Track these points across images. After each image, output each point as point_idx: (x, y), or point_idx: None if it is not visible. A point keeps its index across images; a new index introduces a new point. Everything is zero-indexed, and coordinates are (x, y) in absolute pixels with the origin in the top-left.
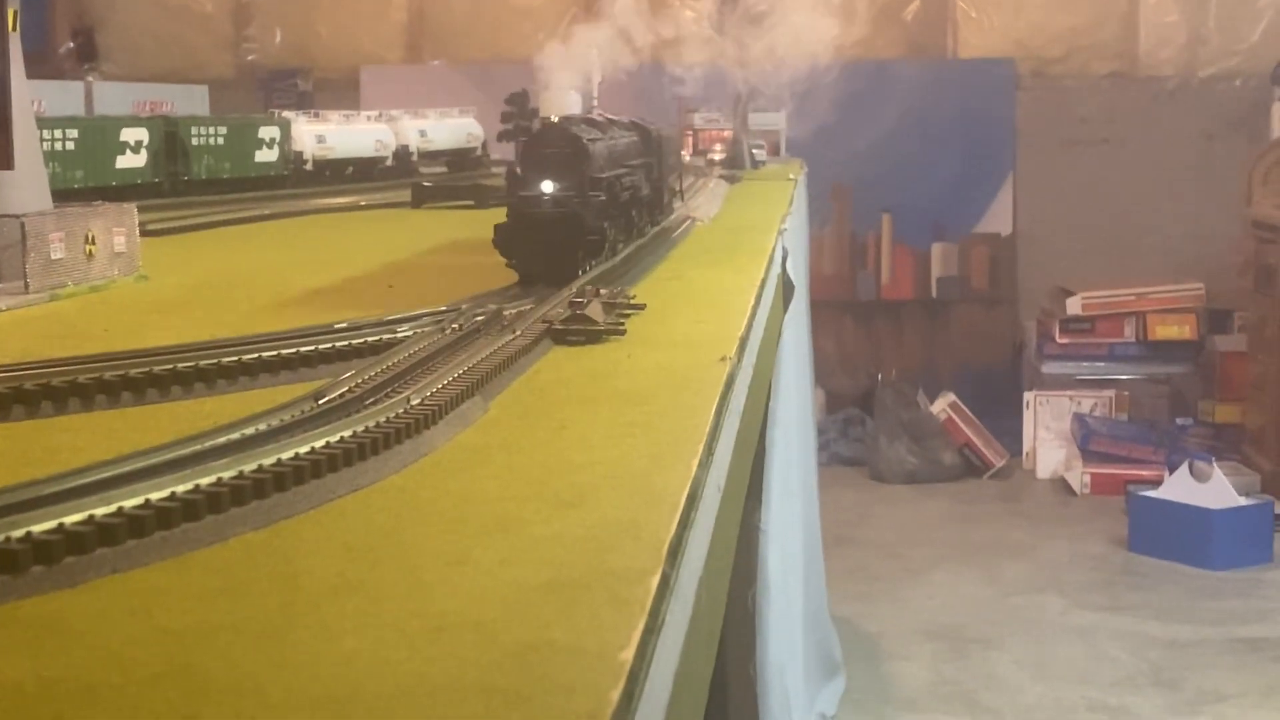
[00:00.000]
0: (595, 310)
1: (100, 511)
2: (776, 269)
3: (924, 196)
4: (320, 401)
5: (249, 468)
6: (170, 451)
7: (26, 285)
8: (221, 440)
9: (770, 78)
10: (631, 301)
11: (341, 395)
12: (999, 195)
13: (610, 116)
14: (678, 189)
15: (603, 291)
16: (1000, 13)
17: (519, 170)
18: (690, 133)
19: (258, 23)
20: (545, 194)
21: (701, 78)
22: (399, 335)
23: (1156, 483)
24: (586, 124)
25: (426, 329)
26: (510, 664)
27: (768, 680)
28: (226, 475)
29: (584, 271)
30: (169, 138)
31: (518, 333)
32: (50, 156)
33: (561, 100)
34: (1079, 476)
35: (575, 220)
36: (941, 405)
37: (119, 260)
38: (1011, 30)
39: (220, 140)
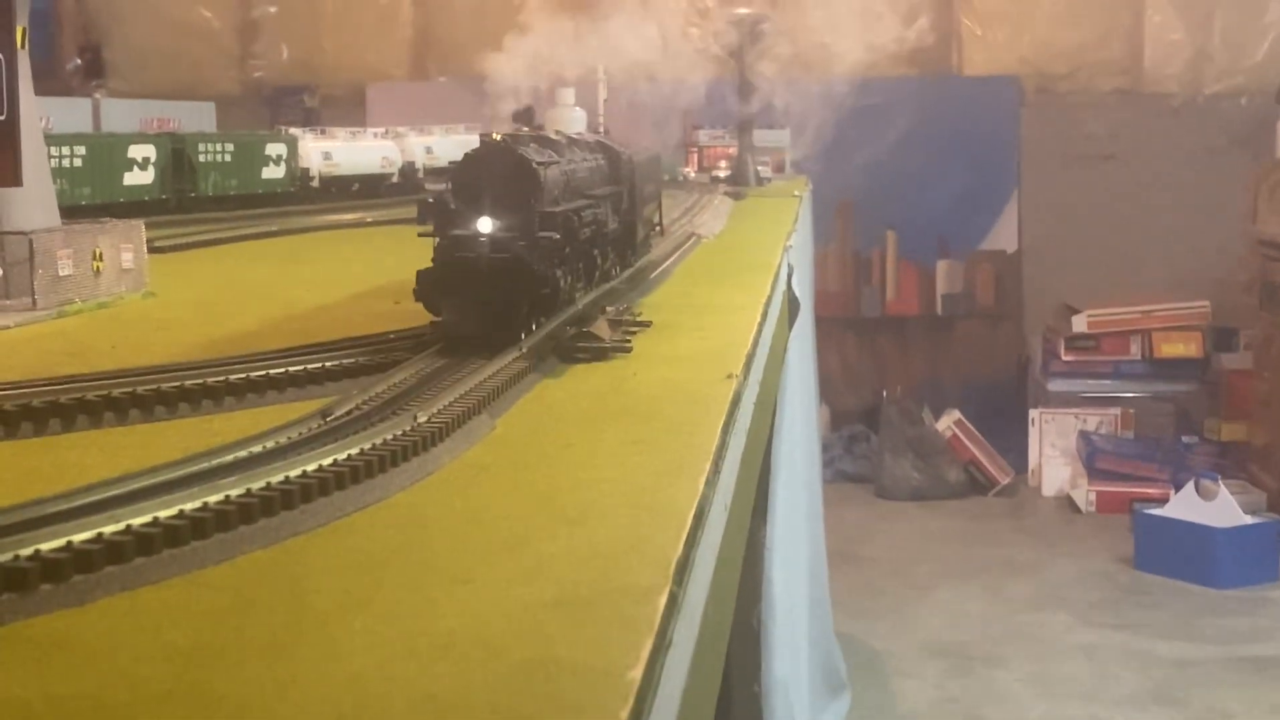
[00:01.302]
0: (602, 328)
1: (109, 529)
2: (782, 286)
3: (929, 213)
4: (327, 419)
5: (257, 485)
6: (178, 469)
7: (34, 302)
8: (229, 458)
9: (776, 96)
10: (638, 319)
11: (349, 413)
12: (1004, 212)
13: (572, 135)
14: (656, 223)
15: (609, 309)
16: (1005, 30)
17: (450, 202)
18: (695, 150)
19: (264, 40)
20: (482, 234)
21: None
22: (406, 352)
23: (1162, 501)
24: (539, 143)
25: (433, 345)
26: (518, 682)
27: (773, 698)
28: (235, 493)
29: (528, 333)
30: (176, 154)
31: (524, 350)
32: (58, 173)
33: (566, 117)
34: (1084, 494)
35: (520, 267)
36: (946, 422)
37: (126, 277)
38: (1016, 47)
39: (227, 157)
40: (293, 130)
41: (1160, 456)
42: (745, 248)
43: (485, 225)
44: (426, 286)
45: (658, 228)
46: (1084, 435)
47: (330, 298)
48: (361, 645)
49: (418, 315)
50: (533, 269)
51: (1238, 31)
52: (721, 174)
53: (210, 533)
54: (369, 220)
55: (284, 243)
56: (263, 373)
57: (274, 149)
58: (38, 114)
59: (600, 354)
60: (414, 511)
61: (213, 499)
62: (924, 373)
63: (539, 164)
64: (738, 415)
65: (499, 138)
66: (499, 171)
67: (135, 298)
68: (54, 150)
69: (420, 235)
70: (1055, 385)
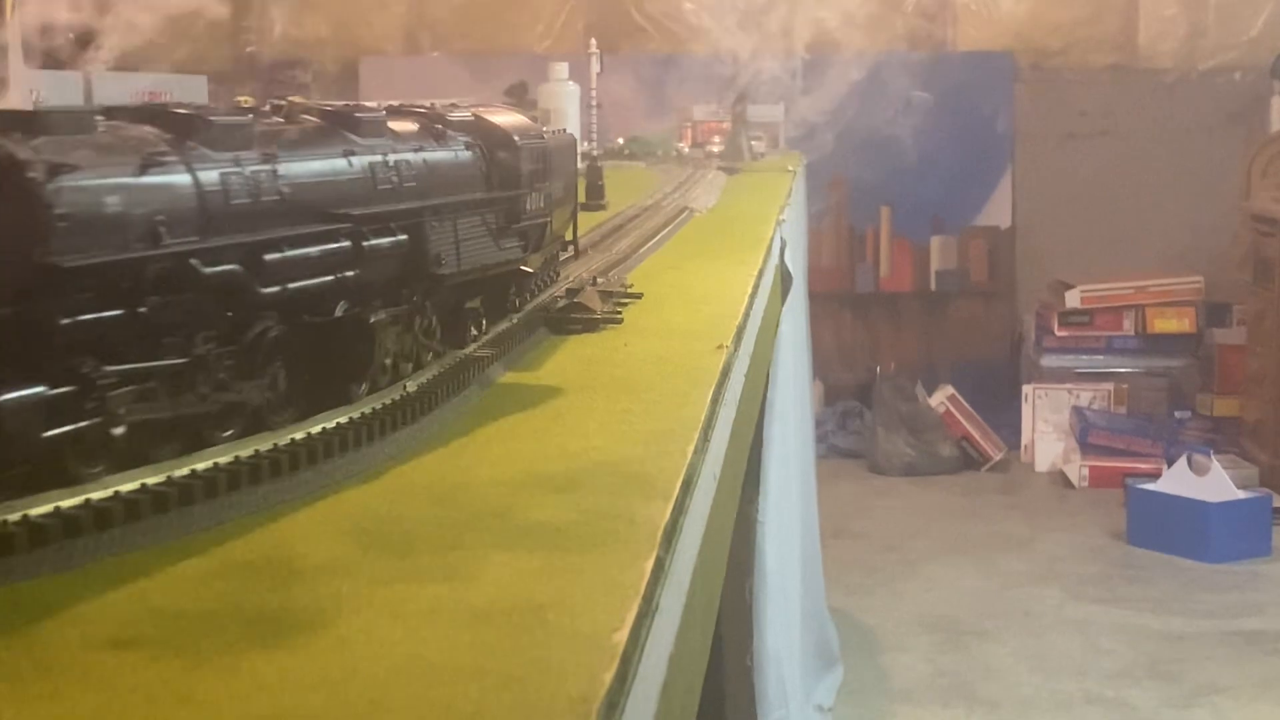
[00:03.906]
0: (593, 299)
1: (96, 495)
2: (774, 260)
3: (923, 189)
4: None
5: (245, 453)
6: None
7: None
8: None
9: (769, 70)
10: (629, 290)
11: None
12: (998, 188)
13: (368, 105)
14: (569, 241)
15: (599, 280)
16: (999, 5)
17: None
18: (689, 125)
19: (257, 14)
20: None
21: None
22: None
23: (1155, 476)
24: (152, 120)
25: None
26: (504, 645)
27: (765, 671)
28: (223, 460)
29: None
30: None
31: (514, 320)
32: None
33: (559, 93)
34: (1077, 469)
35: None
36: (940, 398)
37: None
38: (1010, 22)
39: None
40: None
41: (1153, 432)
42: (738, 221)
43: None
44: None
45: (570, 247)
46: (1077, 410)
47: None
48: (348, 609)
49: None
50: None
51: (1232, 7)
52: (715, 149)
53: (198, 499)
54: None
55: None
56: None
57: None
58: (28, 87)
59: (591, 325)
60: (403, 479)
61: (200, 466)
62: (918, 349)
63: (52, 166)
64: (728, 386)
65: None
66: None
67: None
68: None
69: None
70: (1048, 361)
